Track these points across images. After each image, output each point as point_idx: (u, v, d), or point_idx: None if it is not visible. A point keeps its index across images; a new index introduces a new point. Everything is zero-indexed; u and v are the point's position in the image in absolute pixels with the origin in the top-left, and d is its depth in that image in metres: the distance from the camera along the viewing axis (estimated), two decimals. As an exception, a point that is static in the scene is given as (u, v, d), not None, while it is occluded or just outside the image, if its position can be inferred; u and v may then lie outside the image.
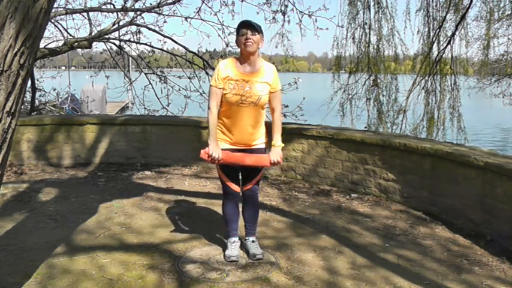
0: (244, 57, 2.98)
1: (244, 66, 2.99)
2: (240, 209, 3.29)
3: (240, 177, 3.23)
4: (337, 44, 7.04)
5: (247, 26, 2.91)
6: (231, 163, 3.06)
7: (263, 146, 3.19)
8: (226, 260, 3.13)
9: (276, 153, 3.07)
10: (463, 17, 6.73)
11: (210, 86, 3.05)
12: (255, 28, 2.91)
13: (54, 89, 10.14)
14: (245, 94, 2.95)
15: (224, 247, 3.30)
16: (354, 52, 7.11)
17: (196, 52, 7.79)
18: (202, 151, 2.98)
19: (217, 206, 4.35)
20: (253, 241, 3.27)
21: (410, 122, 7.19)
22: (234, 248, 3.19)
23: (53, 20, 7.33)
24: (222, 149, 3.04)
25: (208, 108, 3.03)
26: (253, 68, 2.99)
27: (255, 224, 3.30)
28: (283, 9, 7.09)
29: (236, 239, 3.24)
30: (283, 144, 3.11)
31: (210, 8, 8.20)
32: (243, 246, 3.29)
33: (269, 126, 3.18)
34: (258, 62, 3.02)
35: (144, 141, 6.11)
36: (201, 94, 7.70)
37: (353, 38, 6.97)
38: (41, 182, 5.13)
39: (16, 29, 1.73)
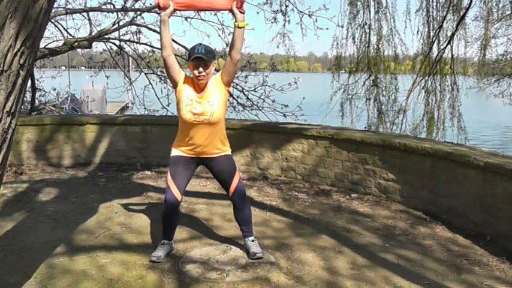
0: (197, 84, 3.02)
1: (197, 89, 3.02)
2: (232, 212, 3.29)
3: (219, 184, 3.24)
4: (337, 44, 7.05)
5: (199, 60, 2.92)
6: (185, 5, 2.94)
7: (228, 152, 3.19)
8: (149, 259, 3.10)
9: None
10: (463, 17, 6.73)
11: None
12: (207, 60, 2.92)
13: (54, 89, 10.14)
14: (197, 113, 2.98)
15: (224, 247, 3.31)
16: (353, 52, 7.12)
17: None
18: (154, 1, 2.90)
19: (217, 206, 4.35)
20: (252, 240, 3.27)
21: (410, 122, 7.20)
22: (159, 249, 3.16)
23: (53, 20, 7.33)
24: (179, 156, 3.10)
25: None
26: (204, 87, 3.03)
27: (250, 224, 3.29)
28: (283, 9, 7.11)
29: (167, 242, 3.21)
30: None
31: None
32: (243, 246, 3.29)
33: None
34: (209, 82, 3.04)
35: (144, 141, 6.11)
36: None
37: (353, 38, 6.99)
38: (41, 182, 5.13)
39: (16, 29, 1.73)
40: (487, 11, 6.83)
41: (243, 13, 2.92)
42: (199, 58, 2.91)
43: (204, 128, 3.03)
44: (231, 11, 2.92)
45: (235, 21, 2.91)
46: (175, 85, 3.08)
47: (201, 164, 3.25)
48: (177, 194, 3.09)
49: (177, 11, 3.03)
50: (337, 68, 7.27)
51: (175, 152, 3.19)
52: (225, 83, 3.05)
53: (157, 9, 2.92)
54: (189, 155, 3.15)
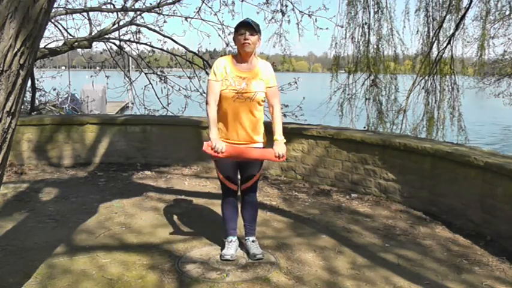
0: (241, 56, 3.03)
1: (241, 64, 3.04)
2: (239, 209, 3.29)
3: (239, 176, 3.24)
4: (336, 43, 7.05)
5: (246, 26, 2.94)
6: (235, 156, 3.02)
7: (261, 145, 3.19)
8: (221, 258, 3.13)
9: (280, 147, 3.00)
10: (462, 17, 6.73)
11: (208, 80, 3.08)
12: (253, 28, 2.95)
13: (54, 89, 10.13)
14: (241, 90, 2.98)
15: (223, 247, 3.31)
16: (353, 52, 7.12)
17: (196, 52, 7.79)
18: (205, 143, 2.94)
19: (217, 206, 4.35)
20: (253, 241, 3.27)
21: (410, 121, 7.20)
22: (230, 247, 3.19)
23: (53, 20, 7.33)
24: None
25: (207, 103, 3.04)
26: (250, 65, 3.04)
27: (254, 223, 3.30)
28: (283, 9, 7.10)
29: (234, 238, 3.24)
30: (285, 140, 3.07)
31: (210, 7, 8.20)
32: (244, 246, 3.29)
33: (268, 126, 3.17)
34: (255, 60, 3.07)
35: (144, 141, 6.11)
36: (201, 94, 7.70)
37: (352, 38, 6.98)
38: (41, 182, 5.13)
39: (16, 29, 1.73)
40: (486, 11, 6.83)
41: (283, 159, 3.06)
42: (246, 24, 2.93)
43: (246, 109, 3.02)
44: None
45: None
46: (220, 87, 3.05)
47: None
48: (232, 185, 3.16)
49: None
50: (336, 68, 7.27)
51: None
52: (266, 93, 3.08)
53: (207, 152, 2.96)
54: (231, 142, 3.09)
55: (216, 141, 2.91)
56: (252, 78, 3.01)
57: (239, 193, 3.25)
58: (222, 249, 3.24)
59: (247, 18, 3.00)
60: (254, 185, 3.23)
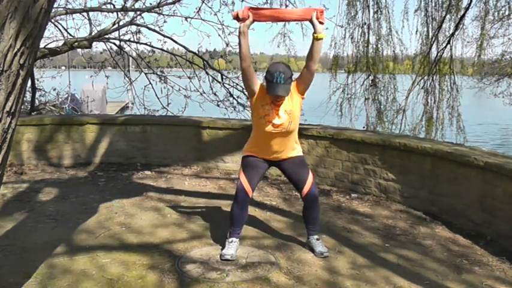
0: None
1: (274, 100, 3.03)
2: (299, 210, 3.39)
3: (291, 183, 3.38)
4: (335, 43, 7.06)
5: (278, 95, 2.94)
6: (269, 16, 2.94)
7: (300, 153, 3.28)
8: (221, 258, 3.13)
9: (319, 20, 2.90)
10: (462, 17, 6.73)
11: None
12: (287, 94, 2.97)
13: (54, 89, 10.12)
14: (276, 124, 3.04)
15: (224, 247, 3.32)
16: (352, 52, 7.12)
17: (196, 52, 7.79)
18: (233, 13, 2.90)
19: (217, 206, 4.36)
20: (317, 239, 3.33)
21: (409, 121, 7.20)
22: (230, 247, 3.19)
23: (53, 20, 7.33)
24: (253, 156, 3.16)
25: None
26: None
27: (316, 225, 3.37)
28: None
29: (235, 239, 3.24)
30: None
31: (210, 7, 8.20)
32: (307, 245, 3.36)
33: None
34: None
35: (144, 141, 6.11)
36: (201, 94, 7.71)
37: (352, 38, 6.98)
38: (41, 182, 5.13)
39: (16, 29, 1.73)
40: (485, 11, 6.83)
41: (323, 23, 2.93)
42: (277, 95, 2.93)
43: (281, 137, 3.09)
44: (310, 21, 2.93)
45: (314, 33, 2.93)
46: (252, 95, 3.09)
47: (273, 165, 3.30)
48: (248, 188, 3.15)
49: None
50: (335, 68, 7.28)
51: (247, 154, 3.23)
52: (300, 91, 3.09)
53: (235, 20, 2.89)
54: (263, 157, 3.21)
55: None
56: (285, 106, 3.04)
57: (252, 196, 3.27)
58: (222, 249, 3.24)
59: (279, 78, 2.90)
60: (313, 188, 3.25)
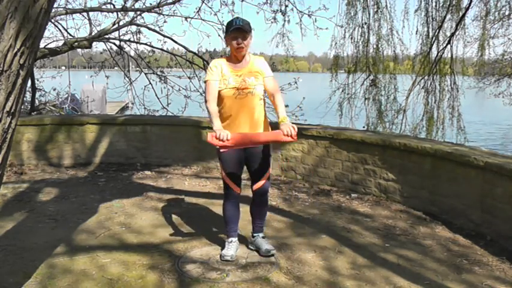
0: (235, 56, 3.08)
1: (235, 63, 3.09)
2: (241, 207, 3.30)
3: (248, 175, 3.27)
4: (335, 43, 7.06)
5: (238, 30, 2.97)
6: (242, 143, 2.95)
7: (269, 149, 3.21)
8: (221, 259, 3.13)
9: (287, 126, 2.85)
10: (462, 17, 6.74)
11: (206, 81, 3.11)
12: (246, 31, 2.98)
13: (54, 89, 10.13)
14: (240, 87, 3.03)
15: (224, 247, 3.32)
16: (352, 52, 7.13)
17: (196, 52, 7.80)
18: (209, 134, 2.84)
19: (217, 206, 4.35)
20: (263, 237, 3.30)
21: (409, 121, 7.20)
22: (230, 248, 3.19)
23: (53, 20, 7.33)
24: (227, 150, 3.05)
25: (206, 101, 3.06)
26: (244, 62, 3.10)
27: (263, 221, 3.34)
28: (283, 9, 7.11)
29: (235, 239, 3.24)
30: (289, 120, 2.99)
31: (210, 7, 8.22)
32: (253, 244, 3.30)
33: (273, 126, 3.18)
34: (247, 56, 3.12)
35: (144, 141, 6.11)
36: (201, 94, 7.70)
37: (352, 38, 6.98)
38: (41, 182, 5.13)
39: (16, 29, 1.73)
40: (486, 11, 6.84)
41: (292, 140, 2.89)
42: (238, 29, 2.95)
43: (248, 106, 3.05)
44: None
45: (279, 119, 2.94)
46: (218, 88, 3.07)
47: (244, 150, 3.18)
48: (235, 187, 3.15)
49: None
50: (336, 68, 7.28)
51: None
52: (264, 85, 3.10)
53: (213, 143, 2.84)
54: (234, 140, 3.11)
55: (220, 130, 2.84)
56: (248, 74, 3.06)
57: (238, 193, 3.24)
58: (222, 249, 3.24)
59: (238, 20, 3.00)
60: (266, 184, 3.22)
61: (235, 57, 3.07)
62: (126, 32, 7.82)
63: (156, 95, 7.97)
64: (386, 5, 6.85)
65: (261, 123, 3.15)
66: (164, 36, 7.66)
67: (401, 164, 4.54)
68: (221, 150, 3.06)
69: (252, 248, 3.31)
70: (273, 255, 3.17)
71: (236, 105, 3.04)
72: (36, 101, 8.88)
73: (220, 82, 3.04)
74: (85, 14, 7.42)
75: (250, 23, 3.06)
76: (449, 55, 7.00)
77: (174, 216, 4.05)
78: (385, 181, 4.68)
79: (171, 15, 7.53)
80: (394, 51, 7.05)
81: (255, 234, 3.31)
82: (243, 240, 3.41)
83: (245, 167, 3.26)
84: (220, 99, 3.06)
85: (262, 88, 3.10)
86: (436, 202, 4.23)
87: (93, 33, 7.33)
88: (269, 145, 3.20)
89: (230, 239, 3.23)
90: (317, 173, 5.29)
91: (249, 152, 3.16)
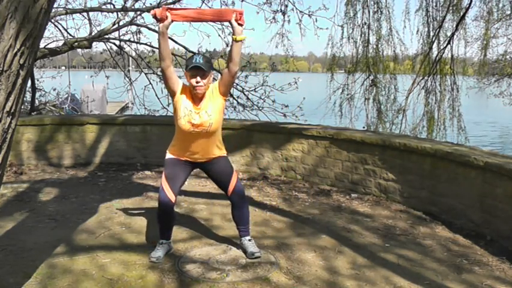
0: (195, 94, 3.01)
1: (194, 99, 3.02)
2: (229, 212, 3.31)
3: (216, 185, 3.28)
4: (332, 43, 7.07)
5: (197, 69, 2.91)
6: (187, 16, 2.90)
7: (223, 154, 3.21)
8: (148, 259, 3.11)
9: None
10: (462, 17, 6.74)
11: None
12: (205, 70, 2.92)
13: (54, 89, 10.12)
14: (196, 124, 2.98)
15: (224, 247, 3.32)
16: (352, 52, 7.13)
17: (196, 52, 7.79)
18: (151, 11, 2.84)
19: (217, 206, 4.35)
20: (249, 239, 3.27)
21: (410, 121, 7.20)
22: (158, 249, 3.16)
23: (53, 20, 7.33)
24: (175, 159, 3.09)
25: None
26: (203, 97, 3.03)
27: (247, 224, 3.29)
28: (283, 9, 7.11)
29: (165, 241, 3.22)
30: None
31: (210, 8, 8.19)
32: (240, 246, 3.29)
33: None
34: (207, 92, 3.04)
35: (144, 141, 6.11)
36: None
37: (351, 38, 6.99)
38: (41, 182, 5.13)
39: (16, 29, 1.73)
40: (487, 11, 6.84)
41: (242, 25, 2.89)
42: (197, 68, 2.90)
43: (202, 137, 3.04)
44: (230, 23, 2.90)
45: (233, 34, 2.91)
46: (173, 95, 3.07)
47: (197, 167, 3.25)
48: (171, 195, 3.09)
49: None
50: (332, 68, 7.28)
51: (170, 155, 3.18)
52: (222, 93, 3.05)
53: (154, 20, 2.86)
54: (185, 159, 3.15)
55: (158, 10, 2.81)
56: (205, 109, 3.00)
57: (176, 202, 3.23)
58: (222, 249, 3.24)
59: (198, 58, 2.95)
60: (238, 185, 3.20)
61: (194, 94, 3.00)
62: (126, 32, 7.83)
63: (156, 95, 7.96)
64: (386, 5, 6.86)
65: (214, 149, 3.14)
66: (164, 36, 7.64)
67: (401, 164, 4.54)
68: (169, 159, 3.11)
69: (241, 250, 3.28)
70: (257, 257, 3.14)
71: (190, 137, 3.04)
72: (36, 101, 8.88)
73: (178, 111, 2.98)
74: (85, 14, 7.42)
75: (211, 59, 3.01)
76: (450, 55, 7.01)
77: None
78: (385, 181, 4.68)
79: (171, 15, 7.52)
80: (394, 51, 7.06)
81: (241, 238, 3.29)
82: (238, 241, 3.40)
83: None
84: (176, 126, 3.05)
85: (218, 120, 3.04)
86: (436, 202, 4.23)
87: (93, 33, 7.33)
88: (225, 154, 3.22)
89: (160, 241, 3.22)
90: (317, 173, 5.29)
91: (206, 167, 3.18)
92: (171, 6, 2.84)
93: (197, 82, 2.92)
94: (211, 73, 3.01)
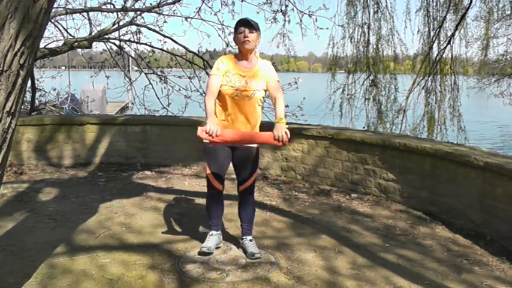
0: (242, 54, 3.08)
1: (241, 62, 3.08)
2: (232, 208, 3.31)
3: (235, 175, 3.29)
4: (333, 43, 7.06)
5: (245, 24, 2.99)
6: (231, 141, 2.93)
7: (255, 145, 3.19)
8: (198, 252, 3.14)
9: (280, 129, 2.83)
10: (463, 17, 6.74)
11: (210, 75, 3.12)
12: (252, 26, 3.00)
13: (54, 89, 10.11)
14: (240, 88, 3.02)
15: (224, 247, 3.31)
16: (352, 52, 7.14)
17: (196, 52, 7.80)
18: (199, 128, 2.82)
19: (217, 206, 4.35)
20: (250, 240, 3.28)
21: (410, 121, 7.20)
22: (209, 240, 3.20)
23: (53, 20, 7.33)
24: (214, 148, 3.04)
25: (206, 94, 3.08)
26: (250, 64, 3.09)
27: (251, 223, 3.31)
28: (283, 9, 7.12)
29: (215, 232, 3.26)
30: (285, 123, 2.94)
31: (210, 8, 8.18)
32: (241, 246, 3.29)
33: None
34: (255, 59, 3.11)
35: (144, 141, 6.11)
36: (201, 94, 7.70)
37: (351, 38, 6.99)
38: (41, 182, 5.13)
39: (16, 29, 1.73)
40: (487, 10, 6.84)
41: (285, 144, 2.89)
42: (244, 23, 2.97)
43: (244, 106, 3.04)
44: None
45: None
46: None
47: (233, 149, 3.17)
48: (218, 184, 3.16)
49: None
50: (333, 68, 7.28)
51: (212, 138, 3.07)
52: (266, 87, 3.10)
53: (202, 137, 2.82)
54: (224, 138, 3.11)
55: (211, 125, 2.82)
56: (252, 77, 3.05)
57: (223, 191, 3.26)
58: (222, 250, 3.24)
59: (246, 18, 3.04)
60: (252, 186, 3.24)
61: (242, 54, 3.07)
62: (126, 32, 7.82)
63: (156, 95, 7.96)
64: (386, 5, 6.86)
65: (255, 126, 3.16)
66: (164, 36, 7.66)
67: (401, 164, 4.54)
68: (208, 144, 3.01)
69: (241, 250, 3.29)
70: (257, 258, 3.14)
71: (233, 104, 3.05)
72: (36, 101, 8.87)
73: (224, 78, 3.04)
74: (85, 14, 7.42)
75: (259, 24, 3.06)
76: (450, 55, 7.01)
77: (174, 216, 4.05)
78: (385, 181, 4.68)
79: (171, 15, 7.53)
80: (394, 51, 7.06)
81: (243, 237, 3.30)
82: (239, 240, 3.40)
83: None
84: (220, 95, 3.06)
85: (263, 93, 3.10)
86: (436, 202, 4.23)
87: (93, 33, 7.33)
88: (258, 147, 3.21)
89: (211, 232, 3.25)
90: (317, 173, 5.29)
91: (238, 152, 3.16)
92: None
93: (245, 36, 2.97)
94: (258, 34, 3.05)
